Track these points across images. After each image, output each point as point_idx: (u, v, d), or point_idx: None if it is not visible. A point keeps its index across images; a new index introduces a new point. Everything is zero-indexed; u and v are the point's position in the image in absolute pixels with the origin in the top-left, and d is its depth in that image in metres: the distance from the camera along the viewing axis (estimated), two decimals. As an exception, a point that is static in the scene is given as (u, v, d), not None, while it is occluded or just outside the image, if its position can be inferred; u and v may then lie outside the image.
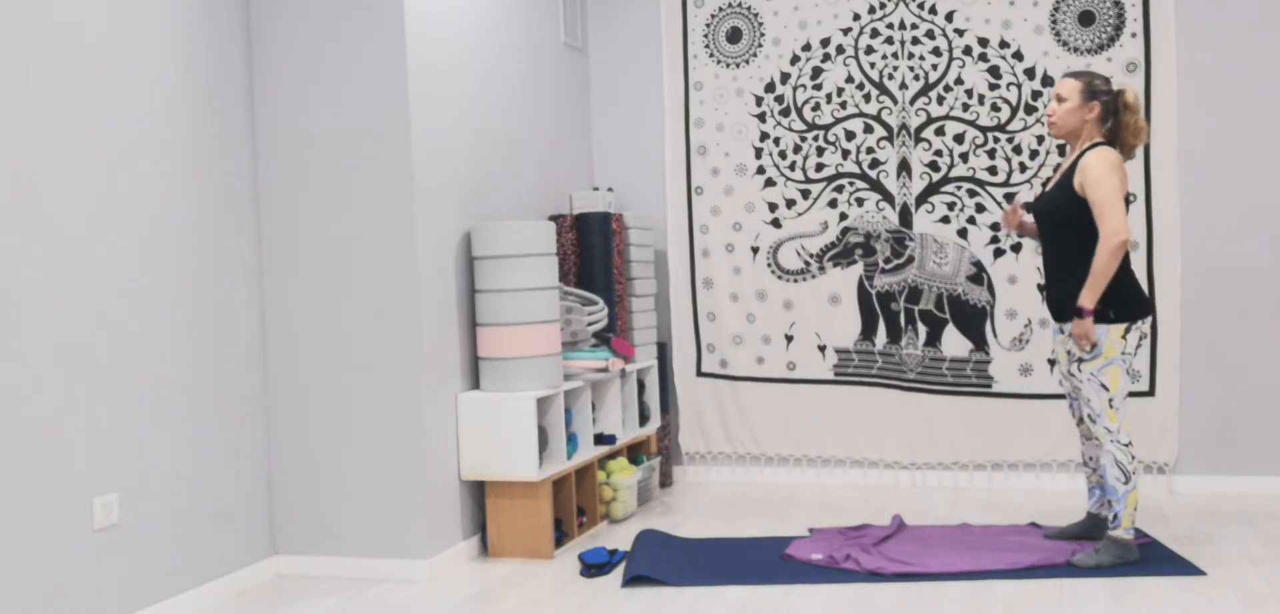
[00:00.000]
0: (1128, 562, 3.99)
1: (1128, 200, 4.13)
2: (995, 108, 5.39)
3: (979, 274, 5.46)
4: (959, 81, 5.44)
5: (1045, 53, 5.32)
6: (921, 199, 5.53)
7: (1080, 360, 4.03)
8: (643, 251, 5.64)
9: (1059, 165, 4.29)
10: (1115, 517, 4.01)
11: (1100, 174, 3.95)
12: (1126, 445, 4.01)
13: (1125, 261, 4.05)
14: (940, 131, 5.48)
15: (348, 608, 3.99)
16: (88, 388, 3.60)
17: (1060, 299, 4.12)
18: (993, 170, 5.41)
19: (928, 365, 5.54)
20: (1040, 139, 5.33)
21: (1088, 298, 3.96)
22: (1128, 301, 4.00)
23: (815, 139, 5.69)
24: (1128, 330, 4.00)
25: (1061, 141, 4.22)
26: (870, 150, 5.59)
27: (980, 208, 5.43)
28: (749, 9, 5.79)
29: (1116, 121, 4.10)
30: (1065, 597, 3.70)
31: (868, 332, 5.64)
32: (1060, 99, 4.13)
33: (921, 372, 5.56)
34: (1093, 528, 4.33)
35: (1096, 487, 4.33)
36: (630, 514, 5.20)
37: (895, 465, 5.67)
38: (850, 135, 5.63)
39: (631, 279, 5.53)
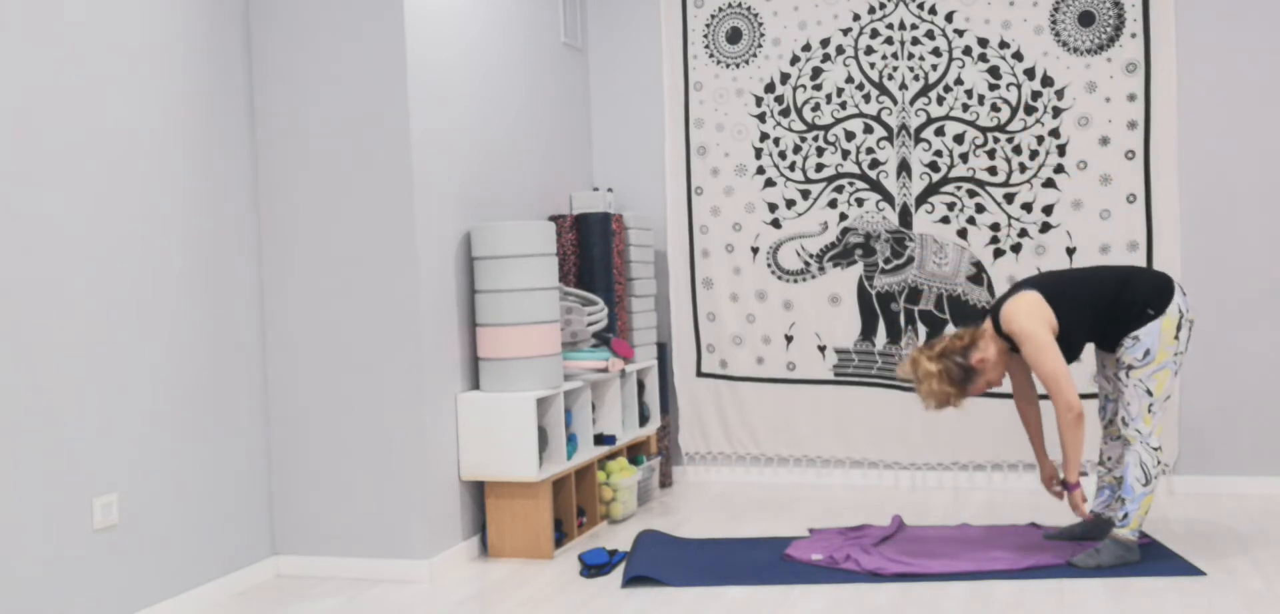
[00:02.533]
0: (1128, 562, 3.98)
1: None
2: (995, 108, 5.39)
3: (979, 274, 5.46)
4: (959, 82, 5.45)
5: (1045, 53, 5.32)
6: (921, 199, 5.53)
7: (1130, 367, 3.99)
8: (643, 252, 5.64)
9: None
10: (1125, 515, 4.00)
11: (1037, 346, 3.94)
12: (1156, 449, 4.00)
13: (1136, 271, 4.07)
14: (940, 132, 5.48)
15: (348, 608, 3.99)
16: (88, 388, 3.60)
17: (1101, 339, 4.11)
18: (993, 171, 5.41)
19: (928, 365, 5.54)
20: (1040, 139, 5.33)
21: (1073, 472, 4.01)
22: (1159, 290, 3.99)
23: (815, 139, 5.69)
24: (1178, 326, 3.98)
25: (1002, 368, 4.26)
26: (870, 150, 5.59)
27: (980, 208, 5.43)
28: (749, 9, 5.79)
29: (964, 367, 4.08)
30: (1065, 597, 3.70)
31: (868, 332, 5.64)
32: (991, 383, 4.13)
33: (921, 372, 5.55)
34: (1094, 528, 4.32)
35: (1106, 486, 4.32)
36: (630, 514, 5.20)
37: (895, 465, 5.67)
38: (850, 135, 5.63)
39: (631, 279, 5.53)
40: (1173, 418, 5.20)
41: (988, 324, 4.13)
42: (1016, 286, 4.12)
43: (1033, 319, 3.95)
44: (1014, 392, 4.36)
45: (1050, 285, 4.06)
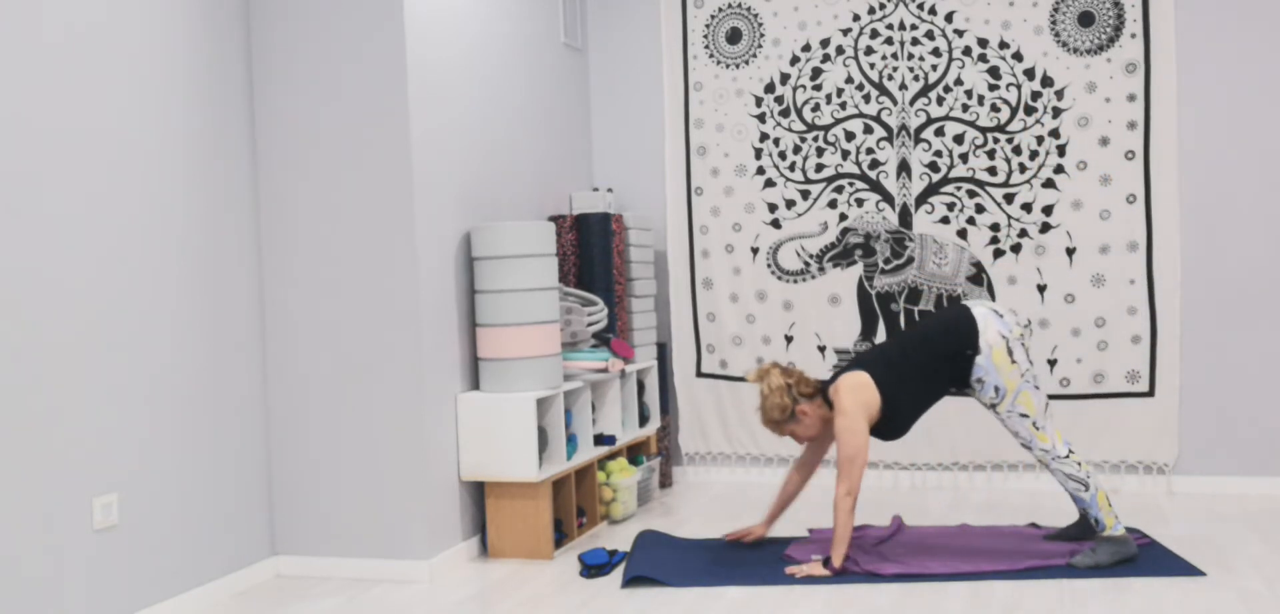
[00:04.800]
0: (1126, 557, 3.98)
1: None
2: (995, 108, 5.39)
3: (979, 274, 5.46)
4: (959, 82, 5.45)
5: (1045, 53, 5.32)
6: (921, 199, 5.53)
7: (993, 406, 4.05)
8: (642, 252, 5.64)
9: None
10: (1098, 522, 4.02)
11: (848, 425, 3.97)
12: (1067, 456, 4.03)
13: (939, 320, 4.10)
14: (940, 132, 5.48)
15: (348, 608, 3.99)
16: (88, 388, 3.60)
17: (940, 392, 4.14)
18: (992, 171, 5.41)
19: (927, 366, 5.54)
20: (1039, 140, 5.34)
21: (838, 556, 3.99)
22: (965, 330, 4.02)
23: (815, 140, 5.69)
24: (1009, 350, 4.01)
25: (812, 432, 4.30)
26: (870, 151, 5.59)
27: (980, 208, 5.43)
28: (749, 9, 5.79)
29: (793, 395, 4.14)
30: (1065, 597, 3.70)
31: (868, 332, 5.65)
32: (796, 436, 4.20)
33: (921, 372, 5.56)
34: (1089, 528, 4.33)
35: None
36: (630, 515, 5.20)
37: (895, 466, 5.67)
38: (850, 136, 5.63)
39: (631, 280, 5.53)
40: (1173, 418, 5.21)
41: (838, 397, 4.13)
42: (853, 363, 4.17)
43: (856, 400, 4.01)
44: (800, 457, 4.39)
45: (883, 365, 4.08)
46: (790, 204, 5.74)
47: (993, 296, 5.42)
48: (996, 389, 4.01)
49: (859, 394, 4.01)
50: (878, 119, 5.58)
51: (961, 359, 4.01)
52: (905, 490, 5.55)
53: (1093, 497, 4.01)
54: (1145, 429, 5.25)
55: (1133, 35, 5.20)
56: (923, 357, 4.05)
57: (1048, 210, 5.34)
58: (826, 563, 4.02)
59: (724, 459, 5.97)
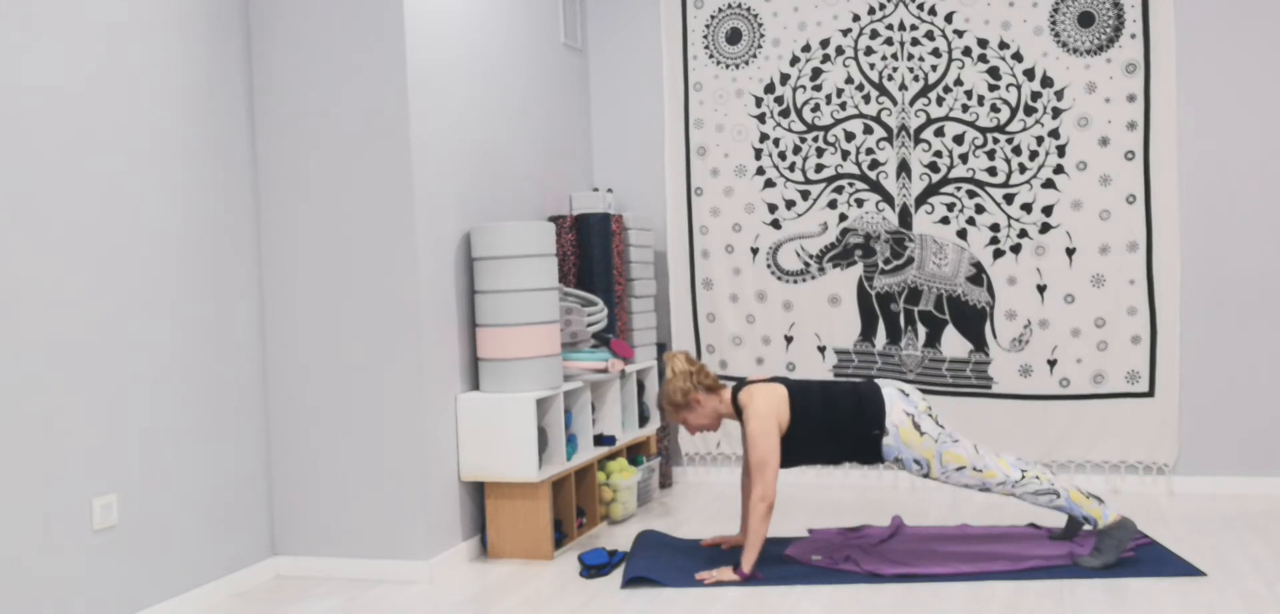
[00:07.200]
0: (1127, 539, 3.96)
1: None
2: (995, 109, 5.40)
3: (978, 275, 5.46)
4: (958, 82, 5.45)
5: (1045, 53, 5.32)
6: (921, 200, 5.53)
7: (927, 477, 4.07)
8: (642, 252, 5.64)
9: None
10: (1088, 521, 4.02)
11: (762, 428, 4.00)
12: (1021, 478, 4.03)
13: (856, 392, 4.10)
14: (940, 132, 5.48)
15: (347, 609, 3.99)
16: (88, 388, 3.60)
17: (837, 457, 4.16)
18: (992, 171, 5.41)
19: (927, 366, 5.54)
20: (1039, 140, 5.34)
21: (748, 561, 3.99)
22: (873, 411, 4.03)
23: (815, 140, 5.69)
24: (915, 425, 4.02)
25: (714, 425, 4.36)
26: (870, 151, 5.60)
27: (980, 209, 5.43)
28: (748, 10, 5.79)
29: (694, 382, 4.19)
30: (1065, 597, 3.70)
31: (867, 332, 5.65)
32: (687, 423, 4.24)
33: (921, 372, 5.56)
34: (1080, 526, 4.33)
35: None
36: (630, 515, 5.20)
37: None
38: (850, 136, 5.63)
39: (631, 280, 5.53)
40: (1173, 418, 5.20)
41: (729, 390, 4.21)
42: (774, 379, 4.21)
43: (767, 404, 4.04)
44: (743, 468, 4.38)
45: (801, 396, 4.11)
46: (790, 204, 5.74)
47: (992, 297, 5.42)
48: (918, 462, 4.04)
49: (772, 401, 4.05)
50: (877, 119, 5.58)
51: (868, 438, 4.04)
52: (905, 490, 5.55)
53: (1067, 501, 4.01)
54: (1145, 429, 5.25)
55: (1133, 36, 5.21)
56: (833, 418, 4.06)
57: (1048, 210, 5.34)
58: (737, 568, 4.01)
59: (723, 459, 5.96)
